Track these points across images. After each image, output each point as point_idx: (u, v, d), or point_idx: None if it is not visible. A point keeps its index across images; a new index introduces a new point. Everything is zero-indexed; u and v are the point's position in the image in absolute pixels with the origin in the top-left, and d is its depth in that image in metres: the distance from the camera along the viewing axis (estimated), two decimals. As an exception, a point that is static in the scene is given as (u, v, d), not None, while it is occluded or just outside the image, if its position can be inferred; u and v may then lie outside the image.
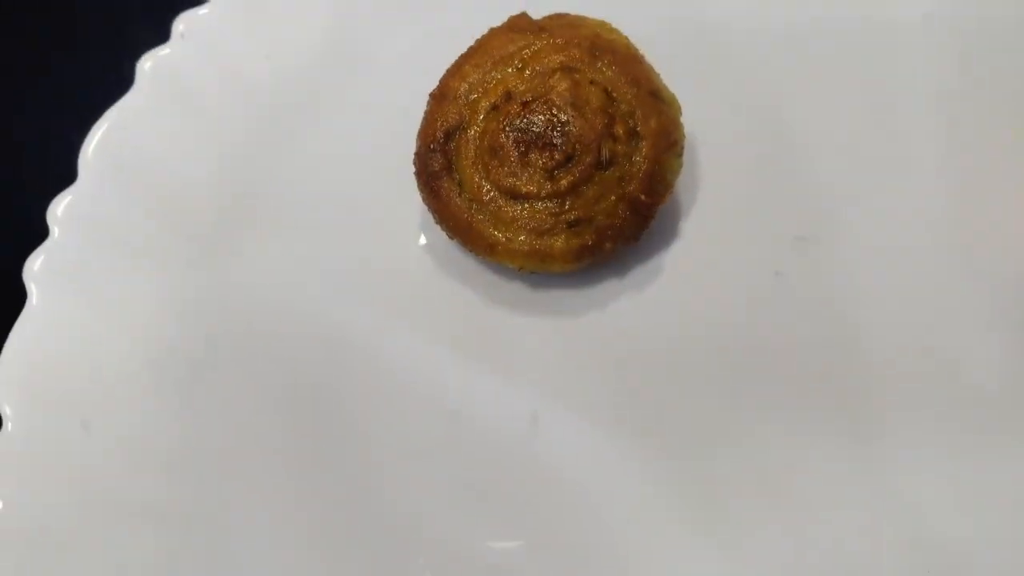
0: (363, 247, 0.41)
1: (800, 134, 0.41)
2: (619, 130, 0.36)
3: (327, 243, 0.41)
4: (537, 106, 0.36)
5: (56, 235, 0.40)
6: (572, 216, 0.36)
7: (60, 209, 0.41)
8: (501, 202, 0.37)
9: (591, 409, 0.37)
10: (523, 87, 0.37)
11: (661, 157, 0.36)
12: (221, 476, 0.37)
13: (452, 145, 0.37)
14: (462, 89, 0.38)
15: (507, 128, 0.36)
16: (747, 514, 0.34)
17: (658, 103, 0.37)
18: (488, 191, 0.37)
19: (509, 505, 0.35)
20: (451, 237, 0.38)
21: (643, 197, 0.36)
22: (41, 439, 0.37)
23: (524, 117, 0.36)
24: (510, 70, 0.37)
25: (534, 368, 0.38)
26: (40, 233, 0.40)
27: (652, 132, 0.36)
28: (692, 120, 0.38)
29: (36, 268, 0.39)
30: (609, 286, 0.39)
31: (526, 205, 0.36)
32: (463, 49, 0.39)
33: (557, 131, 0.36)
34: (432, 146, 0.38)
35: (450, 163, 0.37)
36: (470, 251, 0.38)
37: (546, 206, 0.36)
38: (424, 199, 0.38)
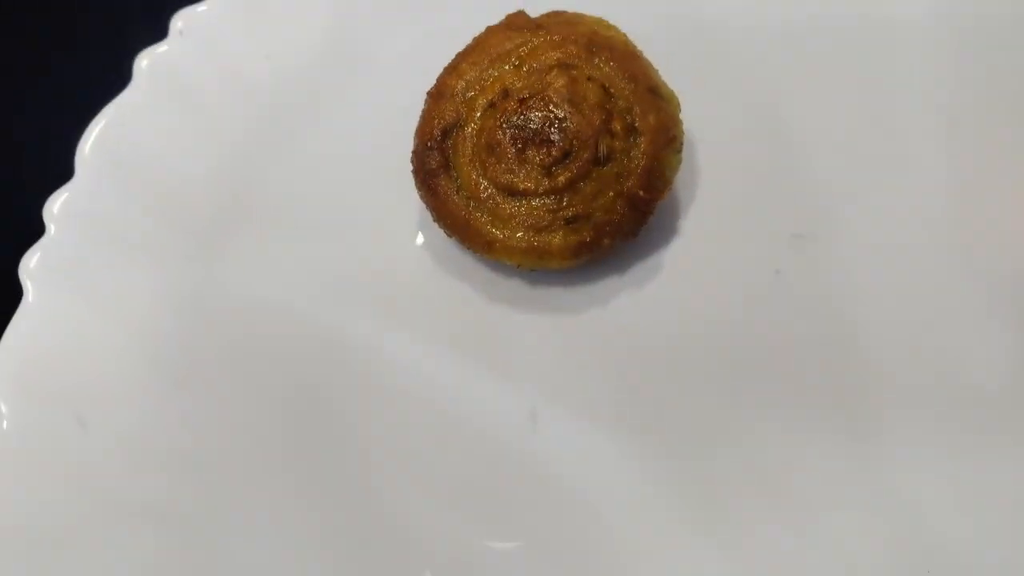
0: (360, 245, 0.41)
1: (799, 131, 0.40)
2: (617, 126, 0.36)
3: (324, 241, 0.41)
4: (534, 103, 0.36)
5: (52, 232, 0.40)
6: (570, 213, 0.36)
7: (56, 206, 0.40)
8: (499, 199, 0.37)
9: (590, 406, 0.36)
10: (520, 84, 0.37)
11: (660, 153, 0.36)
12: (218, 474, 0.37)
13: (449, 143, 0.37)
14: (459, 87, 0.38)
15: (504, 125, 0.36)
16: (746, 511, 0.34)
17: (656, 99, 0.37)
18: (486, 188, 0.37)
19: (508, 503, 0.35)
20: (449, 235, 0.38)
21: (641, 193, 0.36)
22: (37, 436, 0.37)
23: (521, 114, 0.36)
24: (507, 67, 0.37)
25: (533, 365, 0.38)
26: (36, 230, 0.40)
27: (651, 128, 0.36)
28: (691, 117, 0.38)
29: (32, 265, 0.39)
30: (608, 283, 0.39)
31: (524, 202, 0.36)
32: (461, 48, 0.39)
33: (554, 128, 0.36)
34: (429, 144, 0.37)
35: (448, 161, 0.37)
36: (468, 248, 0.38)
37: (544, 203, 0.36)
38: (422, 197, 0.38)
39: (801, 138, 0.40)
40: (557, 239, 0.36)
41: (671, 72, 0.38)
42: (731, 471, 0.35)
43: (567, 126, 0.36)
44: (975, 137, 0.39)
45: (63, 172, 0.41)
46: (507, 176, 0.36)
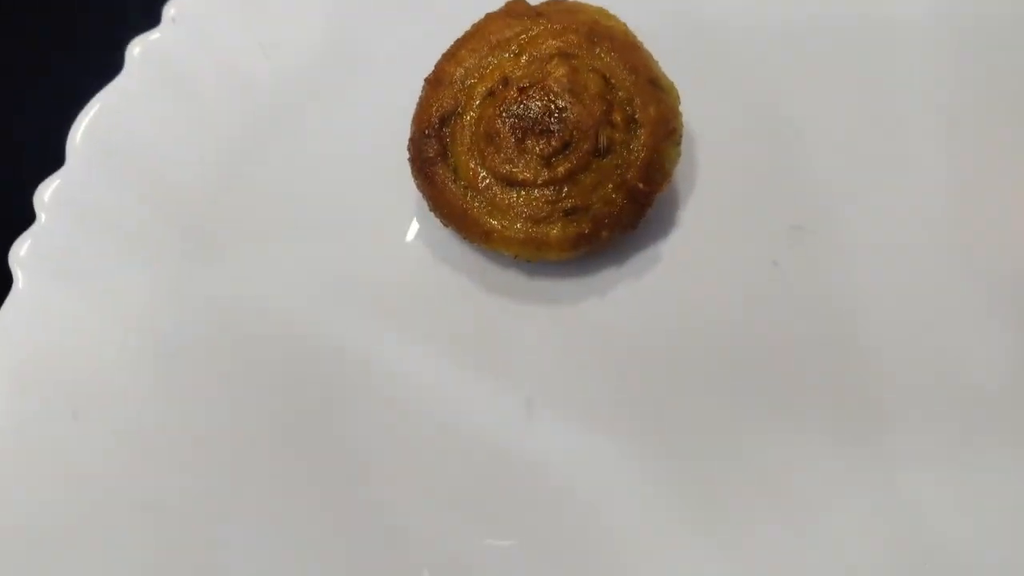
0: (355, 234, 0.40)
1: (798, 125, 0.40)
2: (617, 117, 0.36)
3: (319, 230, 0.40)
4: (534, 92, 0.36)
5: (43, 220, 0.40)
6: (569, 204, 0.35)
7: (47, 194, 0.40)
8: (497, 189, 0.36)
9: (588, 399, 0.36)
10: (520, 73, 0.36)
11: (659, 145, 0.36)
12: (212, 468, 0.36)
13: (447, 131, 0.37)
14: (458, 74, 0.37)
15: (503, 114, 0.36)
16: (743, 506, 0.34)
17: (657, 91, 0.36)
18: (484, 178, 0.36)
19: (505, 499, 0.35)
20: (446, 225, 0.38)
21: (641, 185, 0.36)
22: (28, 427, 0.36)
23: (521, 103, 0.36)
24: (507, 55, 0.37)
25: (530, 358, 0.37)
26: (27, 218, 0.40)
27: (651, 120, 0.36)
28: (690, 109, 0.38)
29: (22, 254, 0.39)
30: (606, 275, 0.38)
31: (522, 192, 0.36)
32: (460, 35, 0.38)
33: (554, 117, 0.35)
34: (427, 132, 0.37)
35: (445, 149, 0.37)
36: (465, 239, 0.38)
37: (543, 193, 0.36)
38: (418, 186, 0.38)
39: (800, 132, 0.40)
40: (555, 230, 0.36)
41: (671, 65, 0.38)
42: (729, 465, 0.34)
43: (567, 116, 0.35)
44: (975, 134, 0.39)
45: (54, 159, 0.41)
46: (506, 166, 0.36)
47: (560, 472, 0.35)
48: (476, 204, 0.36)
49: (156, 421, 0.37)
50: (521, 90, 0.36)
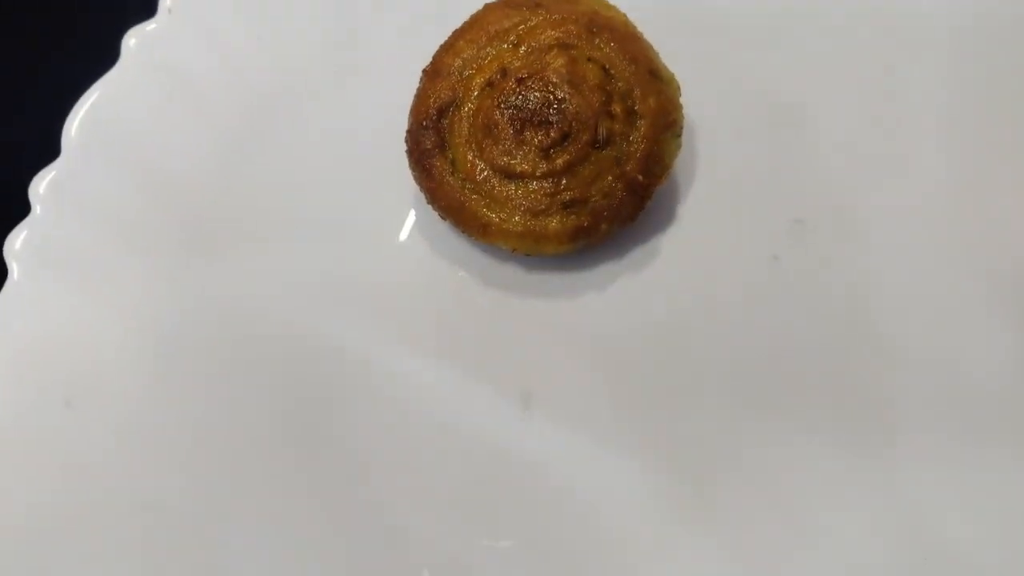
0: (352, 228, 0.40)
1: (799, 117, 0.40)
2: (617, 109, 0.35)
3: (316, 223, 0.40)
4: (533, 83, 0.35)
5: (38, 211, 0.40)
6: (567, 196, 0.35)
7: (43, 186, 0.40)
8: (495, 181, 0.36)
9: (586, 394, 0.36)
10: (518, 63, 0.36)
11: (659, 137, 0.36)
12: (207, 461, 0.36)
13: (445, 122, 0.37)
14: (456, 65, 0.37)
15: (502, 105, 0.36)
16: (743, 506, 0.34)
17: (657, 82, 0.36)
18: (482, 170, 0.36)
19: (503, 496, 0.35)
20: (443, 217, 0.37)
21: (640, 178, 0.35)
22: (23, 417, 0.36)
23: (519, 94, 0.35)
24: (505, 46, 0.37)
25: (528, 352, 0.37)
26: (22, 210, 0.40)
27: (650, 111, 0.35)
28: (691, 101, 0.37)
29: (17, 246, 0.39)
30: (605, 269, 0.38)
31: (520, 185, 0.36)
32: (458, 25, 0.38)
33: (553, 108, 0.35)
34: (424, 123, 0.37)
35: (443, 141, 0.37)
36: (462, 232, 0.37)
37: (541, 186, 0.35)
38: (416, 178, 0.38)
39: (802, 125, 0.40)
40: (554, 223, 0.35)
41: (671, 55, 0.37)
42: (728, 463, 0.34)
43: (566, 107, 0.35)
44: (977, 129, 0.39)
45: (49, 151, 0.41)
46: (504, 158, 0.36)
47: (558, 469, 0.35)
48: (474, 197, 0.36)
49: (151, 412, 0.37)
50: (520, 81, 0.36)
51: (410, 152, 0.37)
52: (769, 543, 0.33)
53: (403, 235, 0.40)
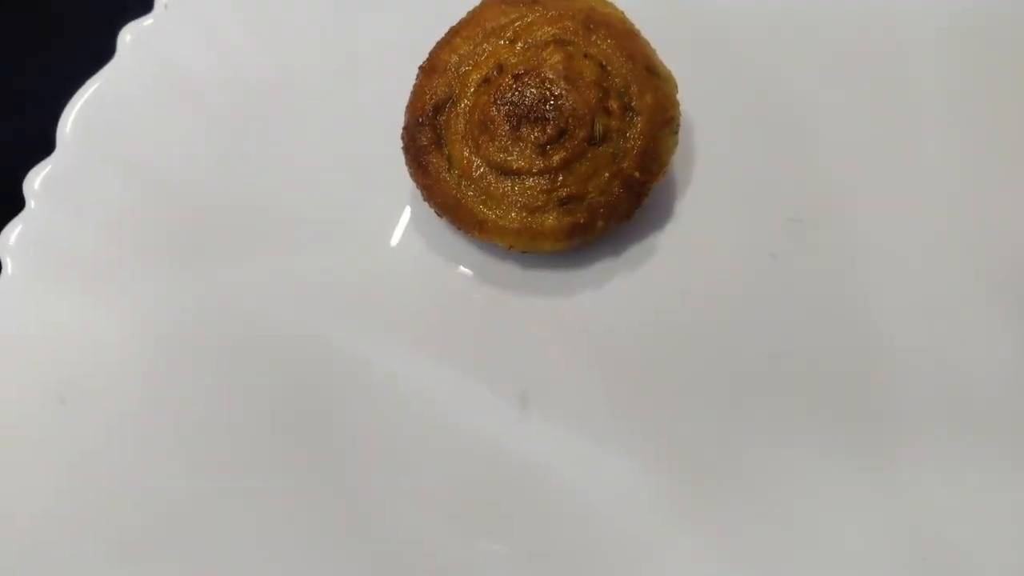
0: (348, 225, 0.40)
1: (797, 115, 0.40)
2: (613, 105, 0.35)
3: (311, 220, 0.40)
4: (529, 79, 0.35)
5: (33, 207, 0.39)
6: (564, 193, 0.35)
7: (37, 181, 0.40)
8: (491, 178, 0.36)
9: (583, 391, 0.36)
10: (515, 60, 0.36)
11: (656, 134, 0.35)
12: (201, 458, 0.36)
13: (442, 119, 0.37)
14: (452, 61, 0.37)
15: (498, 102, 0.35)
16: (741, 505, 0.33)
17: (654, 79, 0.36)
18: (478, 167, 0.36)
19: (500, 493, 0.35)
20: (440, 214, 0.37)
21: (637, 174, 0.35)
22: (17, 413, 0.36)
23: (516, 90, 0.35)
24: (502, 42, 0.36)
25: (524, 350, 0.37)
26: (16, 206, 0.40)
27: (647, 108, 0.35)
28: (688, 98, 0.37)
29: (11, 241, 0.39)
30: (601, 267, 0.38)
31: (517, 181, 0.35)
32: (455, 22, 0.38)
33: (550, 105, 0.35)
34: (421, 120, 0.37)
35: (439, 138, 0.37)
36: (459, 229, 0.37)
37: (538, 182, 0.35)
38: (412, 175, 0.37)
39: (799, 122, 0.40)
40: (550, 220, 0.35)
41: (668, 52, 0.37)
42: (725, 462, 0.34)
43: (563, 104, 0.35)
44: (976, 126, 0.39)
45: (45, 146, 0.41)
46: (500, 154, 0.35)
47: (555, 468, 0.35)
48: (470, 193, 0.36)
49: (145, 409, 0.37)
50: (516, 77, 0.35)
51: (406, 149, 0.37)
52: (767, 542, 0.33)
53: (399, 232, 0.40)
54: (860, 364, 0.35)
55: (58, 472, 0.36)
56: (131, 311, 0.38)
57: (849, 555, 0.32)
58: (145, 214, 0.40)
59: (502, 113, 0.35)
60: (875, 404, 0.34)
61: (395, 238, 0.40)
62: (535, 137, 0.35)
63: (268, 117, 0.42)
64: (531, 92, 0.35)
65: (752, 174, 0.39)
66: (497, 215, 0.36)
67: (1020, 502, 0.32)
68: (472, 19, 0.37)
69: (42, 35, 0.51)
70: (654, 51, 0.37)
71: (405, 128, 0.37)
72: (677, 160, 0.38)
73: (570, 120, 0.35)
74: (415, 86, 0.37)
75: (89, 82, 0.42)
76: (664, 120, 0.36)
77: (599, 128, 0.35)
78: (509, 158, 0.35)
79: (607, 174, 0.35)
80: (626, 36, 0.36)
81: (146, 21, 0.43)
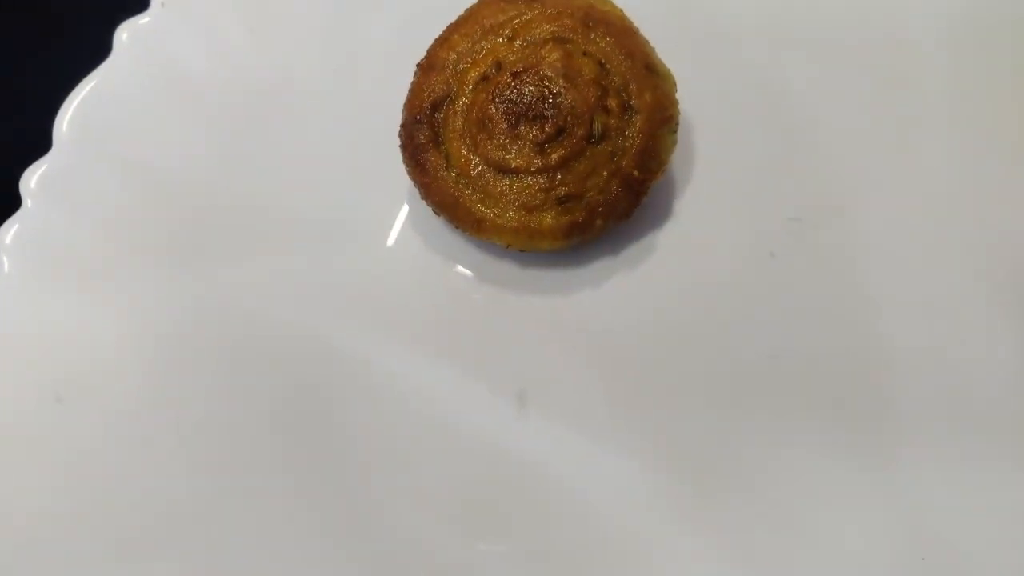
0: (346, 223, 0.40)
1: (796, 114, 0.40)
2: (612, 103, 0.35)
3: (309, 218, 0.40)
4: (528, 77, 0.35)
5: (29, 206, 0.39)
6: (562, 192, 0.35)
7: (34, 180, 0.40)
8: (489, 176, 0.36)
9: (581, 390, 0.36)
10: (513, 57, 0.36)
11: (655, 132, 0.35)
12: (195, 457, 0.36)
13: (439, 117, 0.36)
14: (450, 59, 0.37)
15: (496, 99, 0.35)
16: (740, 504, 0.33)
17: (653, 77, 0.36)
18: (476, 165, 0.36)
19: (498, 492, 0.35)
20: (437, 213, 0.37)
21: (636, 173, 0.35)
22: (13, 412, 0.36)
23: (514, 88, 0.35)
24: (500, 40, 0.36)
25: (523, 349, 0.37)
26: (13, 205, 0.39)
27: (646, 106, 0.35)
28: (688, 96, 0.37)
29: (8, 240, 0.39)
30: (600, 265, 0.38)
31: (515, 180, 0.35)
32: (453, 19, 0.38)
33: (548, 103, 0.35)
34: (418, 117, 0.36)
35: (437, 135, 0.36)
36: (457, 228, 0.37)
37: (536, 181, 0.35)
38: (409, 173, 0.37)
39: (798, 121, 0.40)
40: (549, 218, 0.35)
41: (667, 50, 0.37)
42: (724, 461, 0.34)
43: (561, 102, 0.35)
44: (976, 124, 0.39)
45: (41, 145, 0.41)
46: (499, 152, 0.35)
47: (553, 467, 0.35)
48: (468, 192, 0.36)
49: (142, 408, 0.37)
50: (514, 75, 0.35)
51: (404, 147, 0.37)
52: (766, 542, 0.33)
53: (397, 231, 0.39)
54: (860, 364, 0.35)
55: (55, 471, 0.36)
56: (127, 310, 0.38)
57: (849, 555, 0.32)
58: (141, 213, 0.40)
59: (500, 111, 0.35)
60: (875, 404, 0.34)
61: (393, 237, 0.39)
62: (533, 135, 0.35)
63: (265, 116, 0.42)
64: (529, 90, 0.35)
65: (751, 173, 0.39)
66: (495, 214, 0.36)
67: (1020, 502, 0.32)
68: (470, 16, 0.37)
69: (41, 34, 0.51)
70: (653, 49, 0.37)
71: (403, 126, 0.37)
72: (676, 159, 0.38)
73: (569, 118, 0.35)
74: (413, 84, 0.37)
75: (85, 80, 0.42)
76: (663, 119, 0.35)
77: (598, 126, 0.35)
78: (507, 156, 0.35)
79: (606, 173, 0.35)
80: (625, 34, 0.36)
81: (142, 19, 0.43)
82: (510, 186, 0.35)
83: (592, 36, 0.36)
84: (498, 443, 0.35)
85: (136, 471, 0.36)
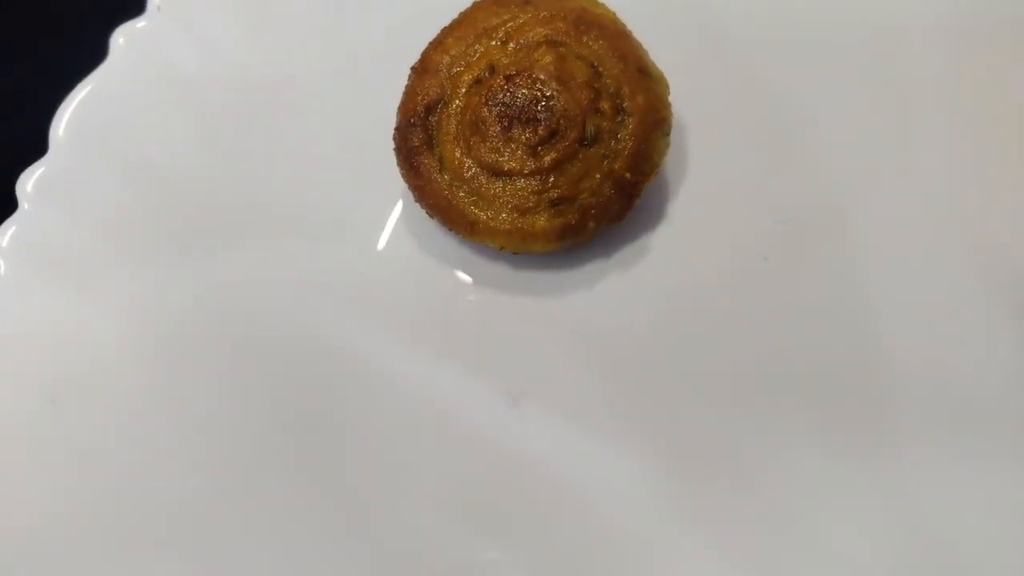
0: (340, 226, 0.40)
1: (789, 116, 0.40)
2: (605, 106, 0.35)
3: (303, 220, 0.40)
4: (521, 80, 0.35)
5: (26, 209, 0.39)
6: (555, 194, 0.35)
7: (30, 183, 0.40)
8: (483, 179, 0.36)
9: (574, 393, 0.36)
10: (507, 60, 0.36)
11: (648, 135, 0.35)
12: (192, 457, 0.36)
13: (433, 120, 0.37)
14: (444, 62, 0.37)
15: (490, 102, 0.35)
16: (737, 505, 0.33)
17: (646, 80, 0.36)
18: (470, 167, 0.36)
19: (493, 492, 0.35)
20: (431, 215, 0.37)
21: (628, 176, 0.35)
22: (7, 414, 0.37)
23: (508, 91, 0.35)
24: (494, 43, 0.36)
25: (516, 351, 0.37)
26: (9, 208, 0.40)
27: (639, 109, 0.35)
28: (680, 99, 0.37)
29: (4, 243, 0.39)
30: (592, 268, 0.38)
31: (508, 182, 0.35)
32: (447, 22, 0.38)
33: (541, 106, 0.35)
34: (412, 120, 0.37)
35: (431, 138, 0.36)
36: (450, 230, 0.37)
37: (529, 183, 0.35)
38: (403, 175, 0.37)
39: (792, 123, 0.40)
40: (541, 221, 0.35)
41: (660, 53, 0.37)
42: (719, 458, 0.34)
43: (554, 105, 0.35)
44: (973, 125, 0.39)
45: (38, 148, 0.41)
46: (492, 155, 0.35)
47: (547, 469, 0.35)
48: (461, 194, 0.36)
49: (138, 410, 0.37)
50: (508, 78, 0.35)
51: (398, 149, 0.37)
52: (765, 542, 0.33)
53: (390, 233, 0.40)
54: (859, 364, 0.35)
55: (53, 472, 0.36)
56: (124, 312, 0.38)
57: (849, 555, 0.32)
58: (138, 215, 0.40)
59: (493, 114, 0.35)
60: (875, 404, 0.34)
61: (386, 239, 0.39)
62: (526, 138, 0.35)
63: (259, 118, 0.42)
64: (522, 93, 0.35)
65: (744, 176, 0.39)
66: (488, 216, 0.36)
67: (1020, 502, 0.32)
68: (464, 20, 0.37)
69: (40, 35, 0.51)
70: (646, 52, 0.37)
71: (397, 129, 0.37)
72: (669, 161, 0.38)
73: (561, 121, 0.35)
74: (407, 87, 0.37)
75: (82, 84, 0.42)
76: (656, 121, 0.36)
77: (590, 129, 0.35)
78: (500, 159, 0.35)
79: (598, 175, 0.35)
80: (618, 37, 0.36)
81: (139, 23, 0.43)
82: (503, 189, 0.35)
83: (585, 39, 0.36)
84: (493, 444, 0.35)
85: (135, 471, 0.36)
